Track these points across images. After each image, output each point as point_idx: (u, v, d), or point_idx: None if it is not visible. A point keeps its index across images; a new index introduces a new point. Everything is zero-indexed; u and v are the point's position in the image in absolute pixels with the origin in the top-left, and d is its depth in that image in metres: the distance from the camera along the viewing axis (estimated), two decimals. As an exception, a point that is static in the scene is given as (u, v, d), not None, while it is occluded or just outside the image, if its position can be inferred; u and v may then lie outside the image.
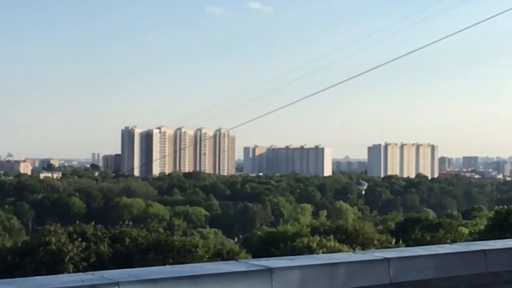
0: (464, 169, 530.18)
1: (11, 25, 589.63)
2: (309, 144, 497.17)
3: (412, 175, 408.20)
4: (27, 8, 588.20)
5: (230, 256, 56.08)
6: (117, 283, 13.10)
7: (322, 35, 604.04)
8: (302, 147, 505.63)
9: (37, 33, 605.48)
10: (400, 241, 64.58)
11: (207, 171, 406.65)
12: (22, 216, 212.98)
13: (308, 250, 54.16)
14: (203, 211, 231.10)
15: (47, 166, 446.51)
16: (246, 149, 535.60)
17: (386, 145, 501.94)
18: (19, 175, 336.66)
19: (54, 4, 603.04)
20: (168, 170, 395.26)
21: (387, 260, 16.92)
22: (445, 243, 53.48)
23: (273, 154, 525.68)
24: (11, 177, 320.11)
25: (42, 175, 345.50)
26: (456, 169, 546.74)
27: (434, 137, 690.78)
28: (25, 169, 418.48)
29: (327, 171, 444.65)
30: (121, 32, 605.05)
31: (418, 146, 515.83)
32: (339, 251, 51.49)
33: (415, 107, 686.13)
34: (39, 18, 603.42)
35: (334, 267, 16.10)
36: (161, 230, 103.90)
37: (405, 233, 71.39)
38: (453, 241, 61.27)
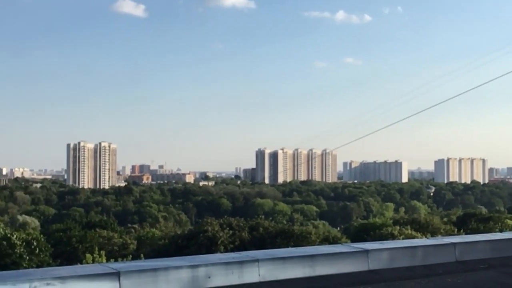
0: (508, 177, 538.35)
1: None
2: (391, 159, 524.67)
3: (468, 181, 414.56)
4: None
5: (334, 240, 57.25)
6: (257, 260, 14.95)
7: (399, 80, 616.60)
8: (385, 161, 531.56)
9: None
10: (461, 230, 64.88)
11: (317, 179, 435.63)
12: (188, 212, 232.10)
13: (392, 236, 55.35)
14: (314, 208, 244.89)
15: (205, 176, 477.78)
16: (345, 163, 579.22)
17: (448, 159, 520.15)
18: (185, 183, 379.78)
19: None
20: (289, 179, 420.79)
21: (453, 244, 18.41)
22: (495, 231, 54.52)
23: (365, 166, 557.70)
24: (180, 185, 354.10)
25: (201, 183, 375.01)
26: (502, 177, 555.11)
27: (485, 151, 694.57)
28: (190, 179, 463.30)
29: (404, 179, 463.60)
30: (259, 81, 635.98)
31: (472, 160, 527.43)
32: (414, 237, 52.61)
33: (469, 129, 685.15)
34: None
35: (413, 249, 17.65)
36: (285, 222, 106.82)
37: (464, 224, 71.37)
38: (501, 230, 61.33)
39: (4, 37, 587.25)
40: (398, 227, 61.36)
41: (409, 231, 59.31)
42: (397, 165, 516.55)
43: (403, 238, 50.93)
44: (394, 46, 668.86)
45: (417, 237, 52.11)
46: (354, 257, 16.39)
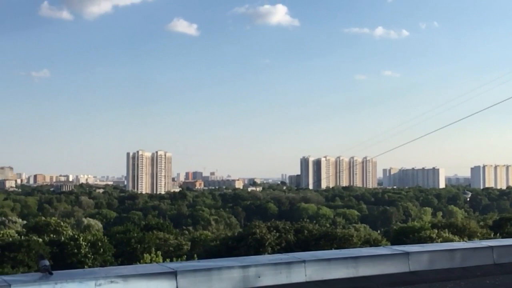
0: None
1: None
2: (428, 166, 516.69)
3: (504, 187, 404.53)
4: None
5: (375, 243, 56.74)
6: (304, 261, 14.86)
7: (436, 92, 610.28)
8: (423, 168, 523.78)
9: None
10: (497, 234, 63.18)
11: (358, 185, 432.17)
12: (237, 216, 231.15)
13: (430, 239, 54.44)
14: (356, 212, 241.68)
15: (253, 183, 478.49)
16: (384, 170, 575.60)
17: (484, 166, 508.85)
18: (235, 189, 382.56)
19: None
20: (331, 184, 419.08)
21: (491, 247, 17.95)
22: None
23: (403, 173, 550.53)
24: (230, 190, 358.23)
25: (249, 189, 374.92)
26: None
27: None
28: (239, 185, 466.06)
29: (441, 185, 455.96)
30: (303, 93, 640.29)
31: (507, 167, 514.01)
32: (452, 240, 51.52)
33: (504, 136, 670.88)
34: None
35: (452, 251, 17.23)
36: (328, 225, 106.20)
37: (500, 228, 69.39)
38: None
39: (70, 53, 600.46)
40: (436, 231, 60.44)
41: (447, 235, 58.35)
42: (435, 171, 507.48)
43: (441, 241, 50.02)
44: (431, 59, 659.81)
45: (455, 240, 51.03)
46: (396, 259, 16.16)
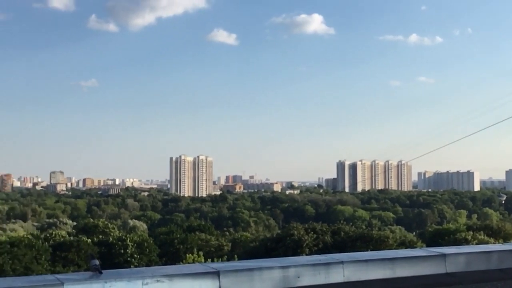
0: None
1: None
2: (463, 169, 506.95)
3: None
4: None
5: (410, 244, 56.02)
6: (342, 262, 14.63)
7: (470, 97, 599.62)
8: (458, 171, 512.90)
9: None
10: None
11: (393, 188, 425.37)
12: (276, 218, 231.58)
13: (465, 241, 53.35)
14: (391, 214, 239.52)
15: (290, 186, 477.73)
16: (419, 173, 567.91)
17: None
18: (273, 192, 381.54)
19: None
20: (367, 188, 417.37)
21: None
22: None
23: (438, 176, 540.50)
24: (268, 193, 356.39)
25: (287, 192, 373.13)
26: None
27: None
28: (277, 188, 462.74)
29: (476, 187, 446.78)
30: (338, 99, 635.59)
31: None
32: (487, 242, 50.34)
33: None
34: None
35: (488, 253, 16.66)
36: (364, 227, 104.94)
37: (536, 231, 67.71)
38: None
39: (116, 63, 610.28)
40: (471, 233, 59.23)
41: (482, 237, 57.13)
42: (469, 174, 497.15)
43: (476, 243, 48.96)
44: (465, 65, 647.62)
45: (490, 242, 49.82)
46: (432, 261, 15.76)
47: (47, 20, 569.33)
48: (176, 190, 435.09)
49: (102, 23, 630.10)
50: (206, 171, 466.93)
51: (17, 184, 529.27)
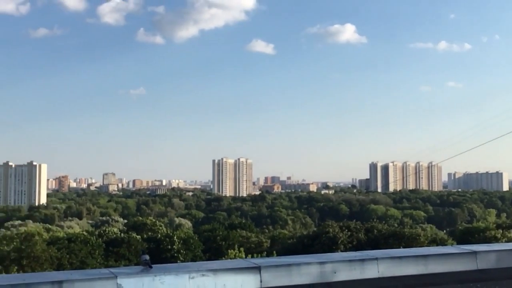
0: None
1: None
2: (492, 170, 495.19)
3: None
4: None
5: (441, 242, 55.04)
6: (376, 258, 14.41)
7: (498, 101, 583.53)
8: (487, 172, 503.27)
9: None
10: None
11: (423, 188, 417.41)
12: (312, 216, 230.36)
13: (495, 239, 52.00)
14: (422, 213, 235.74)
15: (325, 186, 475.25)
16: (449, 174, 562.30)
17: None
18: (309, 192, 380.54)
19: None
20: (398, 188, 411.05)
21: None
22: None
23: (468, 177, 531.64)
24: (305, 193, 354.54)
25: (322, 192, 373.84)
26: None
27: None
28: (313, 188, 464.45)
29: (505, 187, 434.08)
30: (370, 104, 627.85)
31: None
32: (516, 240, 48.87)
33: None
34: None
35: None
36: (396, 225, 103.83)
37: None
38: None
39: (162, 73, 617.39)
40: (501, 231, 57.74)
41: (511, 235, 55.57)
42: (498, 175, 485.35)
43: (505, 241, 47.69)
44: (493, 70, 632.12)
45: (520, 240, 48.40)
46: (463, 258, 15.32)
47: (99, 34, 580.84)
48: (218, 190, 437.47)
49: (149, 36, 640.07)
50: (246, 172, 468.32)
51: (73, 185, 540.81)
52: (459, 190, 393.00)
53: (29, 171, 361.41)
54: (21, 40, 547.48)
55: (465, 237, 60.09)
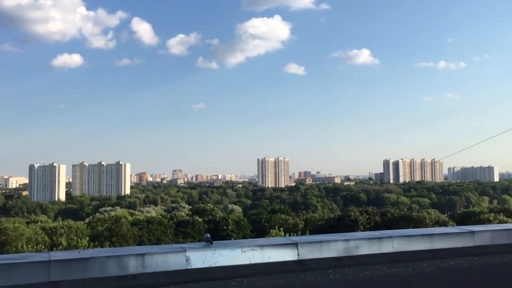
0: None
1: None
2: (485, 164, 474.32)
3: None
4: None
5: (443, 223, 53.13)
6: (391, 237, 14.19)
7: (489, 109, 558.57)
8: (481, 166, 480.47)
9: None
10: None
11: (428, 180, 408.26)
12: (337, 203, 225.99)
13: (488, 221, 50.00)
14: (427, 200, 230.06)
15: (347, 179, 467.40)
16: (449, 168, 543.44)
17: None
18: (334, 183, 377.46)
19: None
20: (407, 180, 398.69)
21: None
22: None
23: (464, 170, 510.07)
24: (331, 184, 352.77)
25: (345, 183, 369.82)
26: None
27: None
28: (337, 180, 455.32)
29: (496, 179, 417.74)
30: (384, 113, 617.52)
31: None
32: (506, 222, 47.14)
33: None
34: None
35: (509, 230, 15.67)
36: (405, 210, 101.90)
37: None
38: None
39: (218, 91, 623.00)
40: (493, 214, 55.28)
41: (502, 217, 53.28)
42: (490, 169, 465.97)
43: (497, 223, 45.82)
44: (484, 83, 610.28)
45: (509, 222, 46.61)
46: (463, 236, 15.07)
47: (169, 62, 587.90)
48: (262, 182, 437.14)
49: (206, 62, 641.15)
50: (284, 168, 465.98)
51: (150, 179, 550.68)
52: (458, 181, 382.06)
53: (117, 168, 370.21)
54: (110, 68, 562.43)
55: (463, 220, 57.97)
